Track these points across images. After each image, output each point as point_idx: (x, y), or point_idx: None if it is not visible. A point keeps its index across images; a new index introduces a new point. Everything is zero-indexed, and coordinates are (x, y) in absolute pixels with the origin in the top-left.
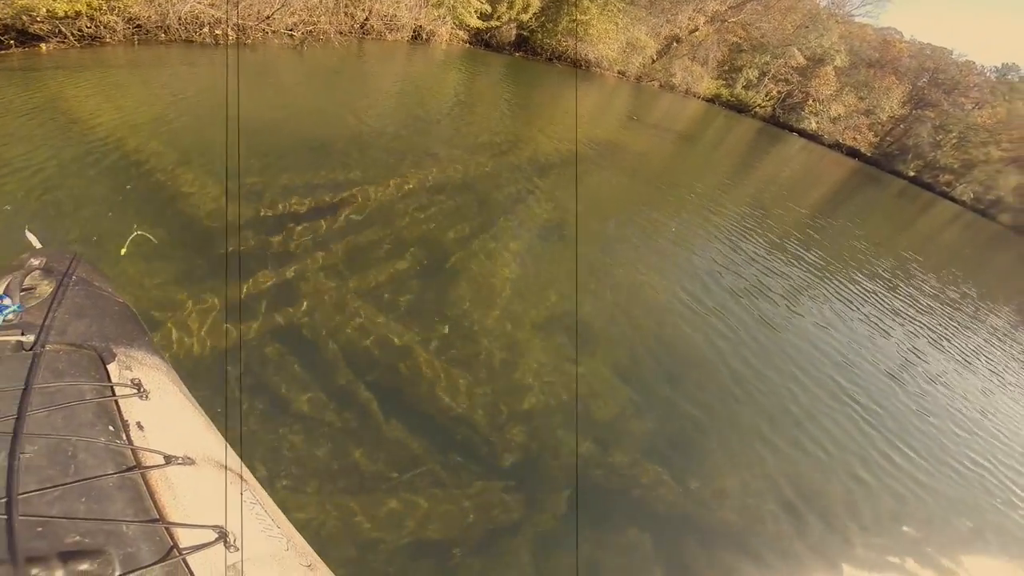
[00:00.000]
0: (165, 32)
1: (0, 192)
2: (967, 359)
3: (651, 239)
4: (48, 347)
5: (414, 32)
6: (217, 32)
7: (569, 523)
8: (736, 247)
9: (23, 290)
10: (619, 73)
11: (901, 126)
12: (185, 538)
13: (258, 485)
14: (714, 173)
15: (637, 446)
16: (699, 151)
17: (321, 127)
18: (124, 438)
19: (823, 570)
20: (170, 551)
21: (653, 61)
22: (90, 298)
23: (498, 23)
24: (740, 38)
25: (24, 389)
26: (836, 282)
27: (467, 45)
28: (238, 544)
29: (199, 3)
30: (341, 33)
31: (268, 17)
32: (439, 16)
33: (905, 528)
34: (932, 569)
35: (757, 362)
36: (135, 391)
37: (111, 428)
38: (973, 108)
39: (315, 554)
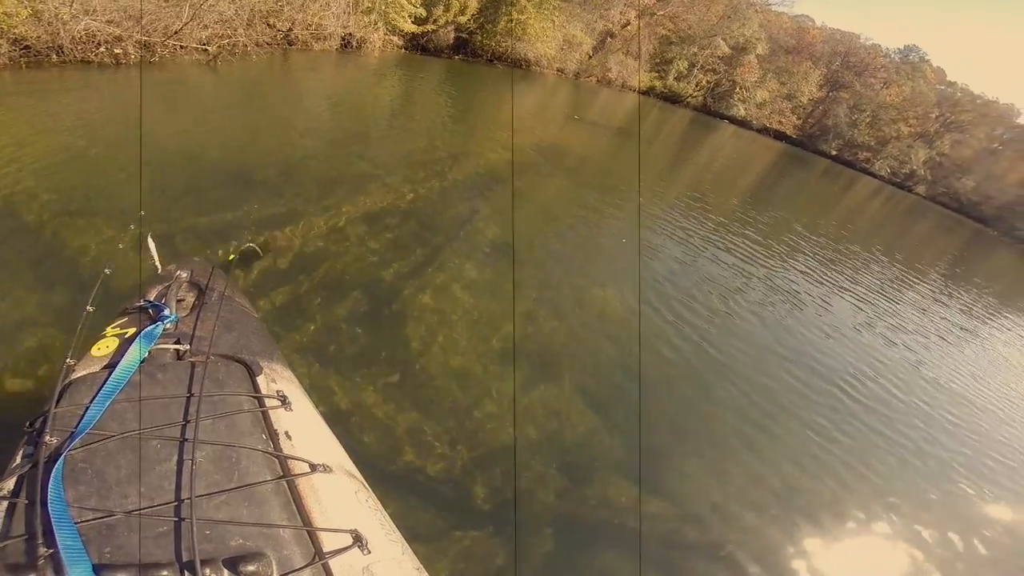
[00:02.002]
0: (58, 53)
1: None
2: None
3: (600, 245)
4: (208, 358)
5: (344, 40)
6: (117, 51)
7: (557, 563)
8: (679, 240)
9: (176, 300)
10: (558, 71)
11: (820, 108)
12: (327, 542)
13: (373, 494)
14: (654, 167)
15: (611, 472)
16: (636, 147)
17: (243, 152)
18: (275, 446)
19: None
20: (315, 555)
21: (589, 57)
22: (233, 313)
23: (434, 27)
24: (669, 31)
25: (190, 396)
26: (777, 265)
27: (403, 51)
28: (370, 547)
29: (94, 20)
30: (260, 45)
31: (176, 32)
32: (370, 23)
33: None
34: None
35: (720, 357)
36: (281, 403)
37: (264, 437)
38: (882, 88)
39: (418, 559)
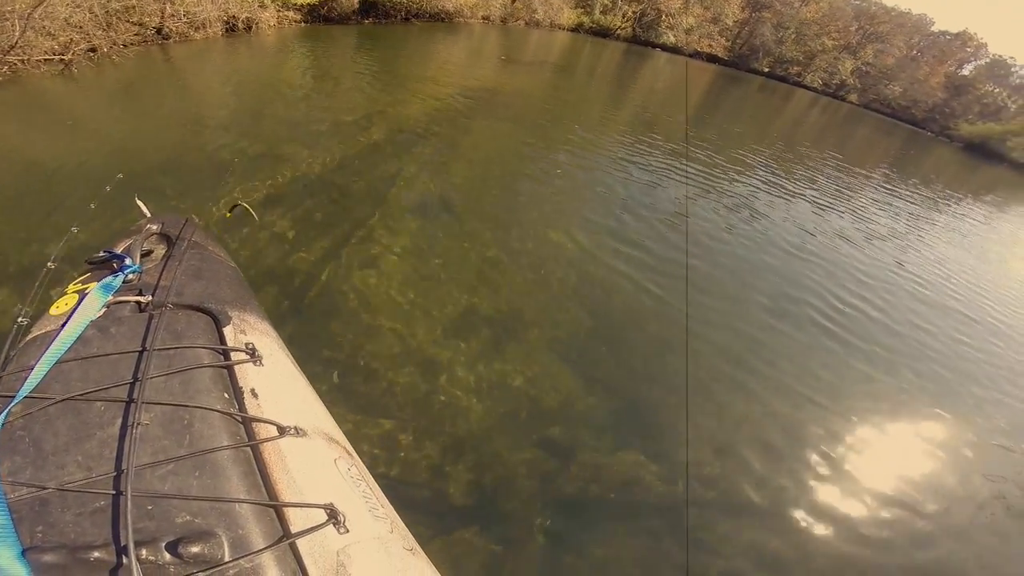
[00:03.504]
0: None
1: None
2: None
3: (548, 188)
4: (166, 309)
5: (228, 24)
6: None
7: (551, 552)
8: (633, 169)
9: (142, 253)
10: (483, 18)
11: (746, 28)
12: (295, 519)
13: (359, 460)
14: (595, 100)
15: (598, 436)
16: (576, 81)
17: (127, 155)
18: (238, 406)
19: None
20: (280, 534)
21: (513, 1)
22: (205, 261)
23: None
24: None
25: (142, 352)
26: (733, 180)
27: (303, 24)
28: (348, 525)
29: None
30: (128, 45)
31: (13, 47)
32: (255, 1)
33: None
34: None
35: (691, 292)
36: (249, 357)
37: (226, 396)
38: (801, 5)
39: (413, 537)
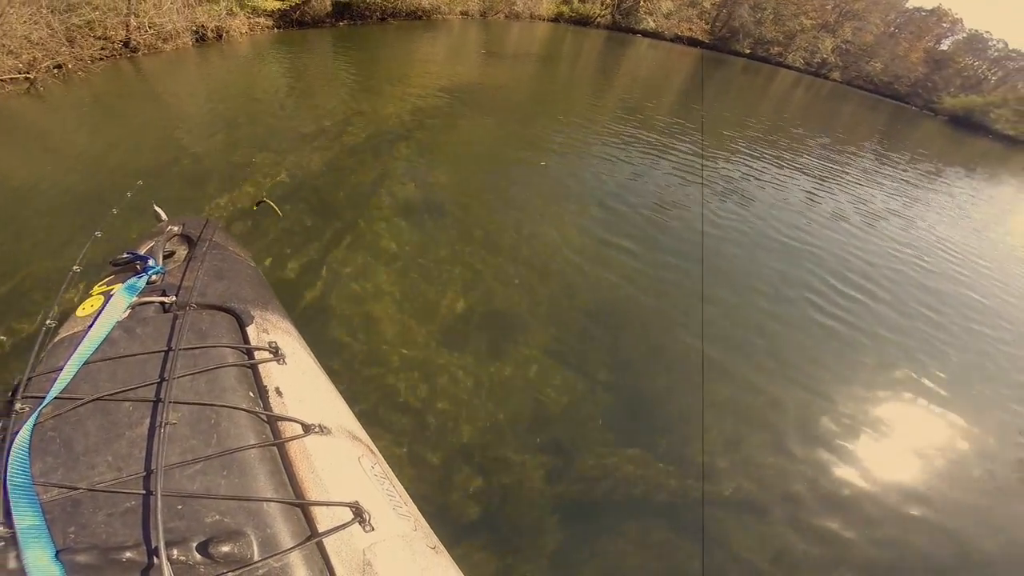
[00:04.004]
0: None
1: None
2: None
3: (536, 184)
4: (190, 308)
5: (197, 34)
6: None
7: (563, 555)
8: (622, 160)
9: (164, 255)
10: (462, 14)
11: (724, 11)
12: (322, 517)
13: (382, 458)
14: (580, 89)
15: (602, 436)
16: (560, 71)
17: (99, 171)
18: (263, 405)
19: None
20: (307, 533)
21: None
22: (226, 261)
23: None
24: None
25: (168, 352)
26: (730, 160)
27: (276, 30)
28: (373, 523)
29: None
30: (95, 60)
31: None
32: (223, 9)
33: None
34: None
35: (688, 283)
36: (273, 356)
37: (251, 394)
38: None
39: (435, 536)
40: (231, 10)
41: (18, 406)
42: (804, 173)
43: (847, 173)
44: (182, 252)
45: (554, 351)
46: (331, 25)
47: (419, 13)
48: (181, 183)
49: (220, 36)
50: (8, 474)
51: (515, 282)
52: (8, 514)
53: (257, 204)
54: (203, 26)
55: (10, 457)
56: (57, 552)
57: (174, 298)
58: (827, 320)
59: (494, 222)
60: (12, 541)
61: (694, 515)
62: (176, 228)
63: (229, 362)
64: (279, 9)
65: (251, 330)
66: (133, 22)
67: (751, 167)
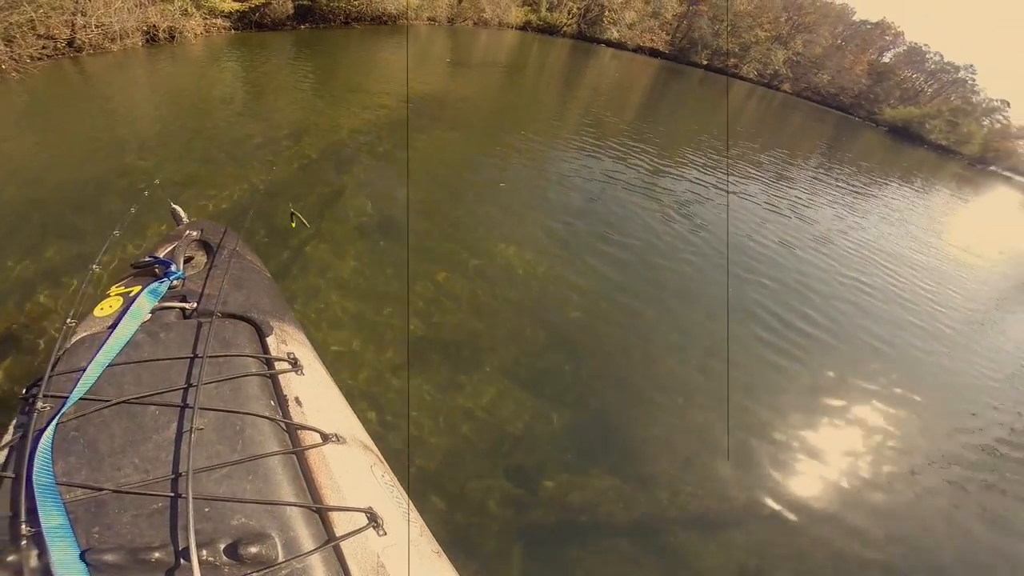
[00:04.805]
0: None
1: None
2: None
3: (497, 203)
4: (214, 317)
5: (148, 35)
6: None
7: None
8: (582, 178)
9: (184, 260)
10: (429, 20)
11: (685, 22)
12: (339, 522)
13: (389, 467)
14: (544, 101)
15: (565, 459)
16: (525, 82)
17: (38, 190)
18: (283, 413)
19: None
20: (326, 536)
21: (460, 1)
22: (245, 271)
23: None
24: None
25: (193, 358)
26: (685, 174)
27: (234, 32)
28: (385, 528)
29: None
30: (34, 59)
31: None
32: (177, 9)
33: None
34: None
35: (644, 295)
36: (291, 366)
37: (272, 403)
38: None
39: (436, 541)
40: (186, 10)
41: (40, 404)
42: (757, 187)
43: (794, 189)
44: (200, 258)
45: (514, 375)
46: (292, 28)
47: (384, 18)
48: (119, 199)
49: (172, 37)
50: (34, 473)
51: (473, 306)
52: (33, 513)
53: (292, 218)
54: (154, 26)
55: (36, 456)
56: (83, 552)
57: (195, 305)
58: (779, 337)
59: (453, 244)
60: (36, 540)
61: (657, 535)
62: (195, 233)
63: (252, 371)
64: (237, 11)
65: (271, 340)
66: (79, 21)
67: (703, 182)
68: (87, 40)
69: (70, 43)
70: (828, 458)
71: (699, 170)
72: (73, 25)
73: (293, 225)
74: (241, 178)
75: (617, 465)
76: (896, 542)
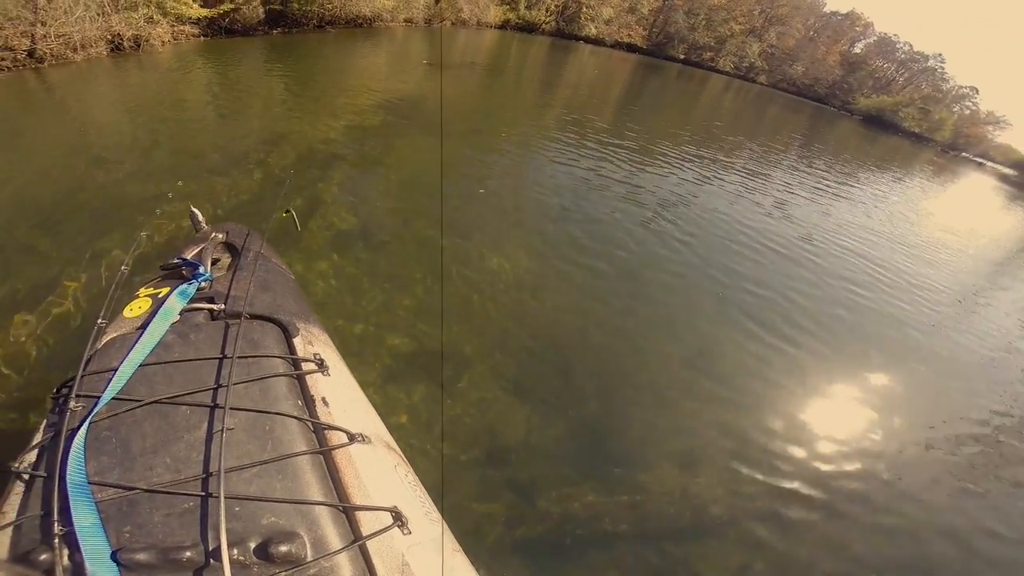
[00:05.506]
0: None
1: None
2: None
3: (478, 208)
4: (242, 318)
5: (112, 44)
6: None
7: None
8: (567, 172)
9: (212, 261)
10: (406, 21)
11: (661, 17)
12: (365, 521)
13: (411, 467)
14: (523, 104)
15: (561, 472)
16: (505, 82)
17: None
18: (311, 413)
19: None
20: (352, 535)
21: (437, 1)
22: (270, 273)
23: (232, 4)
24: None
25: (223, 359)
26: (665, 170)
27: (203, 39)
28: (410, 527)
29: None
30: None
31: None
32: (143, 16)
33: None
34: None
35: (638, 298)
36: (318, 367)
37: (299, 403)
38: None
39: (456, 540)
40: (151, 18)
41: (72, 404)
42: (732, 179)
43: (773, 183)
44: (226, 260)
45: (504, 385)
46: (264, 33)
47: (360, 21)
48: (84, 217)
49: (139, 45)
50: (67, 472)
51: (457, 316)
52: (65, 512)
53: (285, 212)
54: (119, 35)
55: (69, 456)
56: (114, 551)
57: (223, 306)
58: (763, 327)
59: (434, 252)
60: (68, 539)
61: (653, 547)
62: (220, 235)
63: (280, 372)
64: (206, 17)
65: (297, 341)
66: (39, 31)
67: (684, 177)
68: (48, 51)
69: (30, 54)
70: (825, 450)
71: (676, 164)
72: (33, 36)
73: (284, 215)
74: (210, 192)
75: (611, 473)
76: (895, 539)
